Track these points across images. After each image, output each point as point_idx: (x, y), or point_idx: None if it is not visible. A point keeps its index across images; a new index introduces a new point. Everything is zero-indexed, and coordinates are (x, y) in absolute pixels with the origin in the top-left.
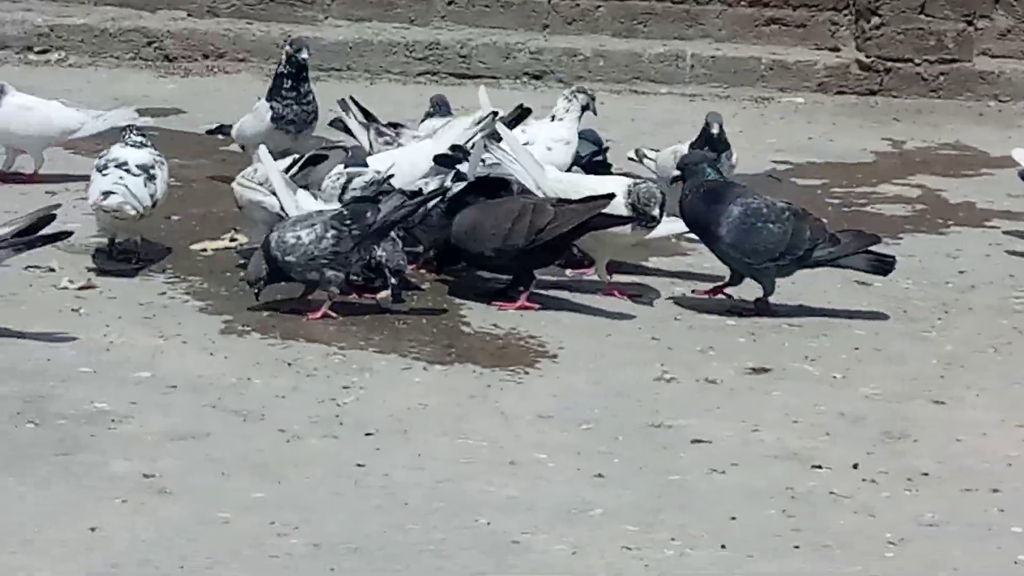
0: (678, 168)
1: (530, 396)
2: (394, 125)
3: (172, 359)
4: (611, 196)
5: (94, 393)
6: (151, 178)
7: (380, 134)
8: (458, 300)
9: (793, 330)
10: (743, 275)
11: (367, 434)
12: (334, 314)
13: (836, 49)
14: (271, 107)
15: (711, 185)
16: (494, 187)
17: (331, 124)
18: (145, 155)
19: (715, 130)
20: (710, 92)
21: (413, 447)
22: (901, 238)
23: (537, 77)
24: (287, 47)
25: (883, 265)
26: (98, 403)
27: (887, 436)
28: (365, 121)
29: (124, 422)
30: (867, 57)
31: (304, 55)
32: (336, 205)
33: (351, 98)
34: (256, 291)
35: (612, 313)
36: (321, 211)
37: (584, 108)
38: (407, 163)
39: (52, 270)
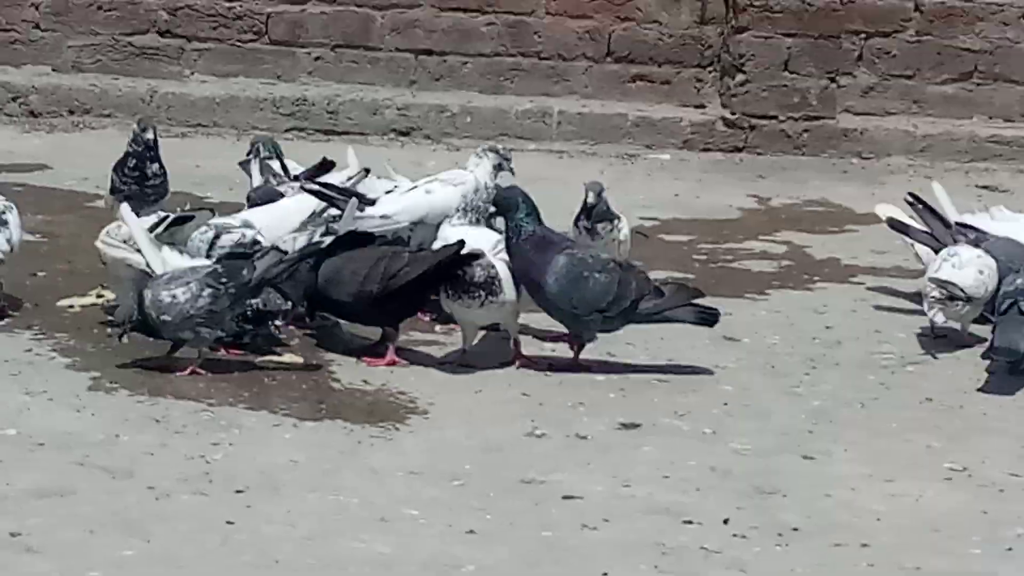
0: (493, 203)
1: (401, 452)
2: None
3: (38, 416)
4: (461, 243)
5: None
6: (3, 223)
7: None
8: (328, 355)
9: (663, 385)
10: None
11: (237, 491)
12: (202, 371)
13: (702, 106)
14: (111, 178)
15: (536, 235)
16: (363, 241)
17: (240, 164)
18: None
19: (591, 199)
20: (577, 149)
21: (284, 503)
22: (768, 294)
23: (405, 133)
24: (135, 125)
25: (709, 317)
26: None
27: (757, 491)
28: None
29: None
30: (732, 114)
31: (149, 135)
32: (206, 261)
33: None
34: (121, 333)
35: (483, 368)
36: (195, 268)
37: (497, 167)
38: (275, 218)
39: None
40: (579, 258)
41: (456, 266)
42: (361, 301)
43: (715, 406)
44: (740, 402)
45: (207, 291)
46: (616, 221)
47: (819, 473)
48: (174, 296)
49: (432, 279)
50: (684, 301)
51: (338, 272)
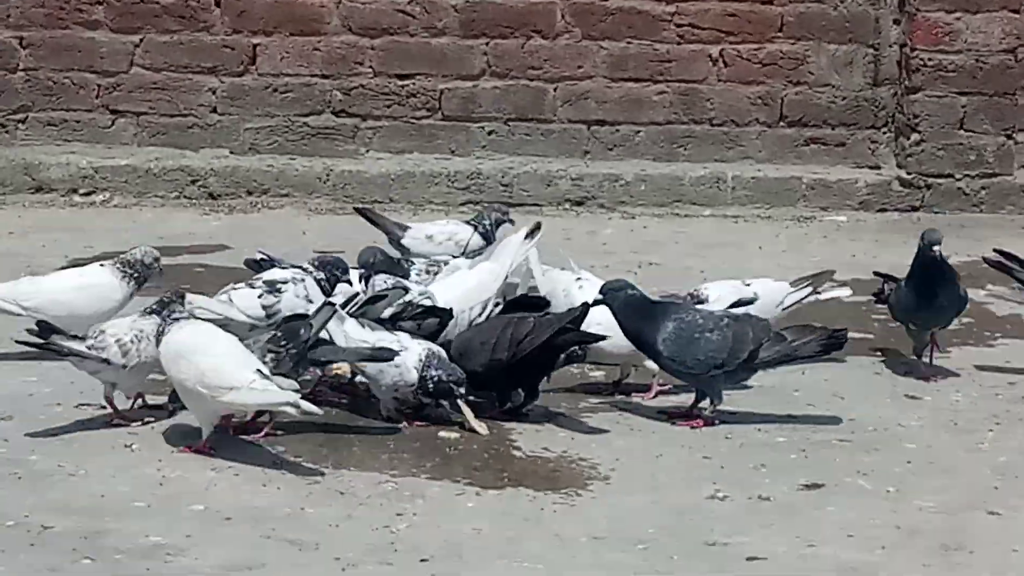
0: (600, 292)
1: (585, 518)
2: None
3: (225, 491)
4: (586, 305)
5: (149, 527)
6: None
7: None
8: (507, 424)
9: (844, 445)
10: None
11: (422, 559)
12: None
13: (877, 167)
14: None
15: (643, 303)
16: (530, 306)
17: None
18: None
19: (935, 252)
20: (752, 213)
21: (469, 571)
22: (949, 352)
23: (579, 203)
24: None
25: (835, 341)
26: (153, 537)
27: (944, 548)
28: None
29: (180, 555)
30: (908, 174)
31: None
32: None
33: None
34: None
35: (662, 433)
36: (258, 334)
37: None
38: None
39: (104, 408)
40: (687, 321)
41: (578, 328)
42: (493, 369)
43: (898, 464)
44: (923, 459)
45: (268, 356)
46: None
47: (1006, 529)
48: None
49: (561, 342)
50: (809, 339)
51: (470, 343)
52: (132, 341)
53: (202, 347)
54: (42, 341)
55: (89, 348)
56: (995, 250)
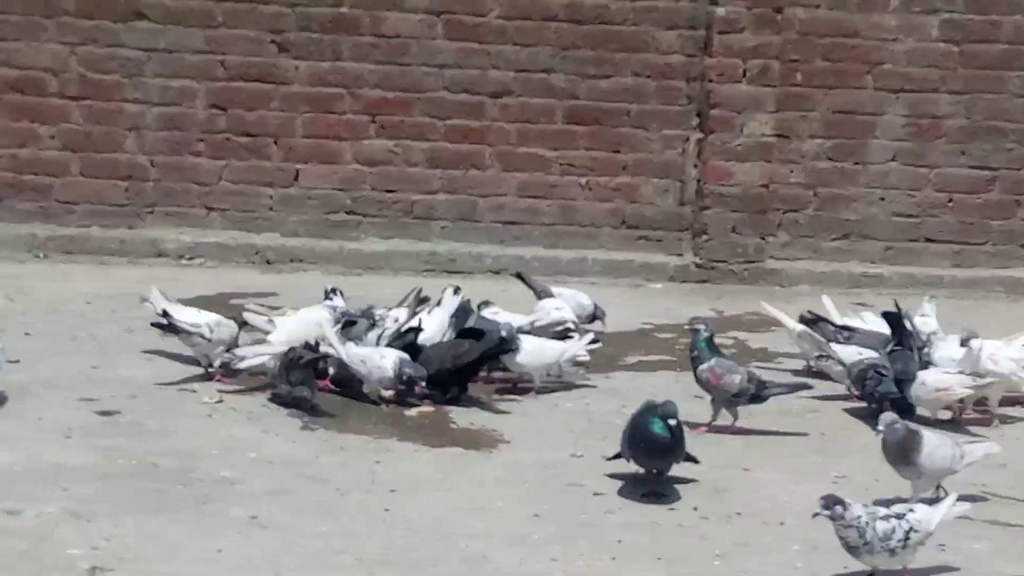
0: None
1: (492, 466)
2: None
3: (269, 445)
4: (502, 339)
5: (220, 467)
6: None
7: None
8: (448, 408)
9: None
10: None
11: (391, 490)
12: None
13: (680, 255)
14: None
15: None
16: (472, 333)
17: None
18: None
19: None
20: (605, 282)
21: (421, 499)
22: None
23: (497, 272)
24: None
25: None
26: (223, 472)
27: (712, 491)
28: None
29: (239, 484)
30: (700, 260)
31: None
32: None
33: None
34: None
35: (545, 416)
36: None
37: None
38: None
39: (195, 391)
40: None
41: (499, 352)
42: (442, 373)
43: (689, 438)
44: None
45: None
46: None
47: (752, 478)
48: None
49: (481, 361)
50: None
51: (429, 355)
52: (217, 325)
53: None
54: (166, 322)
55: (193, 326)
56: (808, 311)
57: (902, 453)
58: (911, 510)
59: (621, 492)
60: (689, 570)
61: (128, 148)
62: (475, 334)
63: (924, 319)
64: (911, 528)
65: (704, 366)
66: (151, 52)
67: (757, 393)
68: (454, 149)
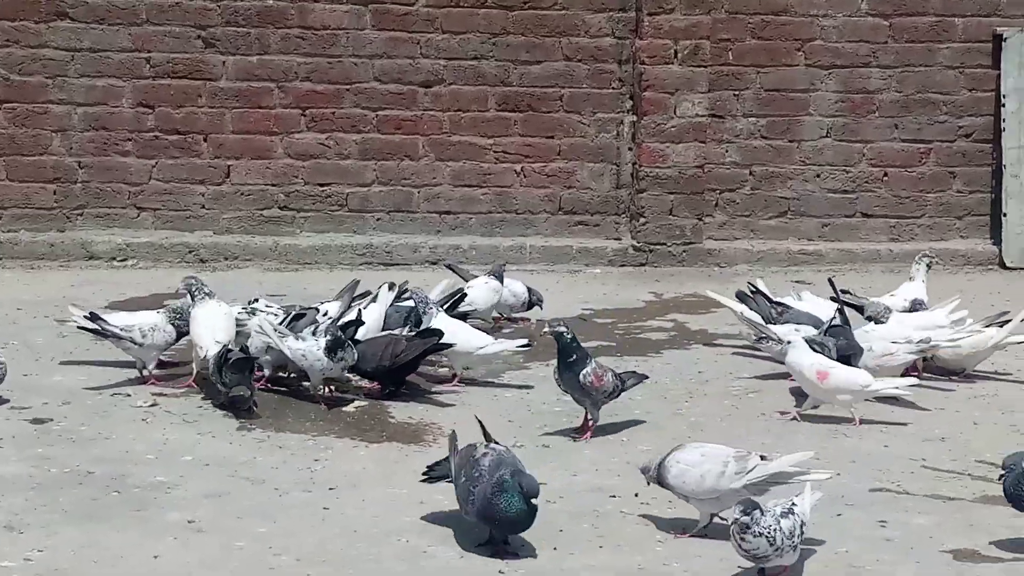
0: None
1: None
2: None
3: (205, 447)
4: (439, 333)
5: (156, 471)
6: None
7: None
8: (386, 402)
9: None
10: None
11: (330, 488)
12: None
13: (619, 238)
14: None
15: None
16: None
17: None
18: None
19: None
20: (542, 268)
21: (360, 495)
22: (662, 352)
23: (434, 263)
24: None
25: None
26: (159, 477)
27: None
28: None
29: (176, 488)
30: (637, 243)
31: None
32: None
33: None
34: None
35: (484, 406)
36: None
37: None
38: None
39: (128, 396)
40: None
41: (437, 350)
42: (380, 370)
43: (629, 424)
44: (645, 420)
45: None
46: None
47: None
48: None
49: (422, 357)
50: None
51: (366, 352)
52: (150, 329)
53: None
54: (94, 326)
55: (123, 330)
56: (749, 283)
57: (659, 480)
58: (793, 503)
59: (562, 481)
60: (632, 556)
61: (55, 150)
62: (434, 334)
63: (912, 284)
64: (803, 522)
65: (587, 370)
66: (75, 52)
67: (622, 388)
68: (387, 140)
